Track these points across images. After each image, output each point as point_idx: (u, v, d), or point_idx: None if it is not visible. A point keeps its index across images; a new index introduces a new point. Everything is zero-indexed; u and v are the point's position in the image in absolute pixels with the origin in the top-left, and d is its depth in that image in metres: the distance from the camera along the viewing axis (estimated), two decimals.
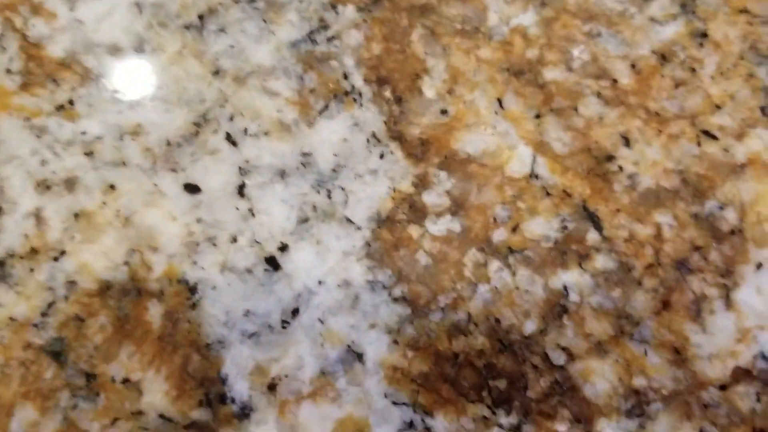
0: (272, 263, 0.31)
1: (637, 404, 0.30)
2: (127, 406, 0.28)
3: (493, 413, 0.30)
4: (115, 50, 0.32)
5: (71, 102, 0.31)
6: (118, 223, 0.30)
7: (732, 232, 0.33)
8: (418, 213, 0.32)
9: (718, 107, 0.34)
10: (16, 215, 0.30)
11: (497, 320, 0.31)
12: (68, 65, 0.32)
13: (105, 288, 0.29)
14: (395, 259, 0.32)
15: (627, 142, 0.34)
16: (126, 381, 0.28)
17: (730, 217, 0.33)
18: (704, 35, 0.36)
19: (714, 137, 0.34)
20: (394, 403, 0.30)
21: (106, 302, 0.29)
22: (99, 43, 0.32)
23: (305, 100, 0.33)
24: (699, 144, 0.34)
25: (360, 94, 0.34)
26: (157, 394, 0.28)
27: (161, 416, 0.28)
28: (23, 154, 0.30)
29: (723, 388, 0.31)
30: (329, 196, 0.32)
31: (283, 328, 0.30)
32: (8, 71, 0.32)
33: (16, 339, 0.28)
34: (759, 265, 0.32)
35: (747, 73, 0.35)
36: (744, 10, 0.36)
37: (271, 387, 0.30)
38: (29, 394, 0.28)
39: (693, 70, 0.35)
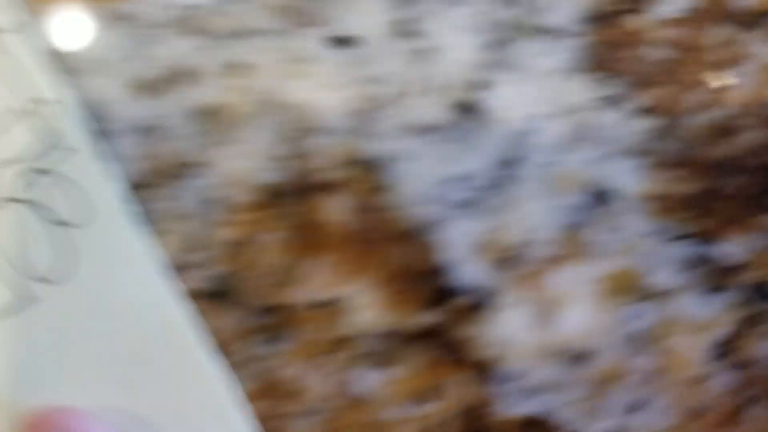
0: (466, 110, 0.24)
1: None
2: (331, 334, 0.22)
3: None
4: None
5: None
6: (259, 111, 0.23)
7: None
8: None
9: None
10: None
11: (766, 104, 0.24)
12: None
13: (265, 196, 0.22)
14: (619, 63, 0.24)
15: None
16: (321, 304, 0.23)
17: None
18: None
19: None
20: (667, 241, 0.24)
21: (270, 214, 0.22)
22: None
23: None
24: None
25: None
26: (367, 309, 0.23)
27: (379, 333, 0.23)
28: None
29: None
30: (518, 7, 0.24)
31: (502, 185, 0.24)
32: None
33: None
34: None
35: None
36: None
37: (505, 261, 0.24)
38: None
39: None
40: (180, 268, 0.22)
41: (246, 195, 0.22)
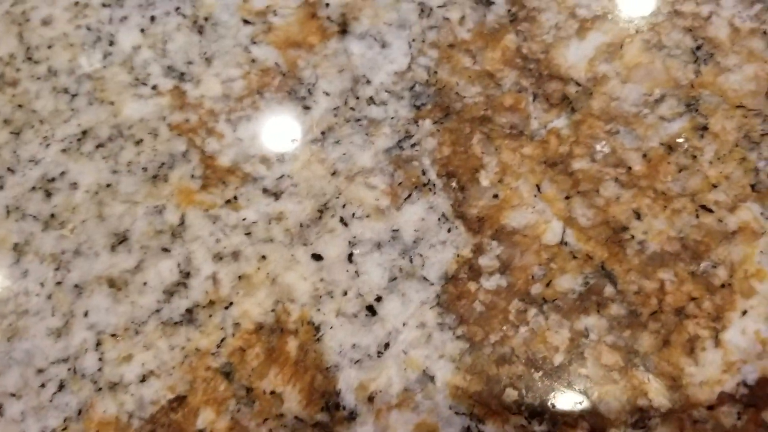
0: (371, 310, 0.44)
1: (640, 419, 0.40)
2: (273, 410, 0.42)
3: (529, 422, 0.41)
4: (264, 160, 0.47)
5: (236, 198, 0.46)
6: (268, 282, 0.44)
7: (722, 286, 0.42)
8: (475, 272, 0.44)
9: (714, 186, 0.44)
10: (199, 278, 0.45)
11: (533, 353, 0.42)
12: (233, 171, 0.47)
13: (259, 328, 0.43)
14: (458, 307, 0.44)
15: (638, 216, 0.44)
16: (273, 393, 0.42)
17: (722, 273, 0.42)
18: (705, 128, 0.45)
19: (710, 210, 0.43)
20: (456, 413, 0.42)
21: (259, 338, 0.43)
22: (254, 155, 0.47)
23: (395, 191, 0.46)
24: (697, 216, 0.43)
25: (434, 185, 0.46)
26: (293, 402, 0.42)
27: (296, 418, 0.42)
28: (203, 235, 0.46)
29: (710, 408, 0.40)
30: (411, 261, 0.45)
31: (378, 356, 0.43)
32: (192, 176, 0.47)
33: (200, 363, 0.43)
34: (744, 312, 0.41)
35: (740, 157, 0.44)
36: (740, 105, 0.45)
37: (371, 398, 0.42)
38: (209, 401, 0.42)
39: (694, 156, 0.45)
40: (210, 353, 0.43)
41: (249, 325, 0.43)
